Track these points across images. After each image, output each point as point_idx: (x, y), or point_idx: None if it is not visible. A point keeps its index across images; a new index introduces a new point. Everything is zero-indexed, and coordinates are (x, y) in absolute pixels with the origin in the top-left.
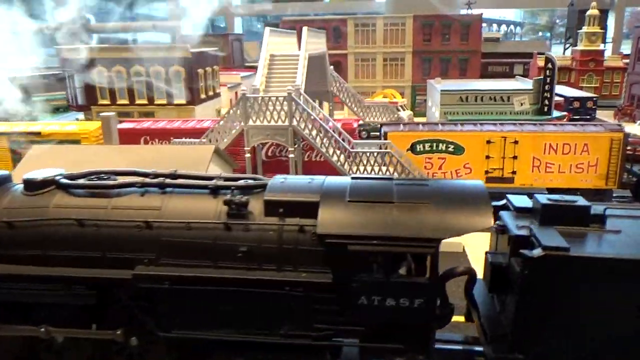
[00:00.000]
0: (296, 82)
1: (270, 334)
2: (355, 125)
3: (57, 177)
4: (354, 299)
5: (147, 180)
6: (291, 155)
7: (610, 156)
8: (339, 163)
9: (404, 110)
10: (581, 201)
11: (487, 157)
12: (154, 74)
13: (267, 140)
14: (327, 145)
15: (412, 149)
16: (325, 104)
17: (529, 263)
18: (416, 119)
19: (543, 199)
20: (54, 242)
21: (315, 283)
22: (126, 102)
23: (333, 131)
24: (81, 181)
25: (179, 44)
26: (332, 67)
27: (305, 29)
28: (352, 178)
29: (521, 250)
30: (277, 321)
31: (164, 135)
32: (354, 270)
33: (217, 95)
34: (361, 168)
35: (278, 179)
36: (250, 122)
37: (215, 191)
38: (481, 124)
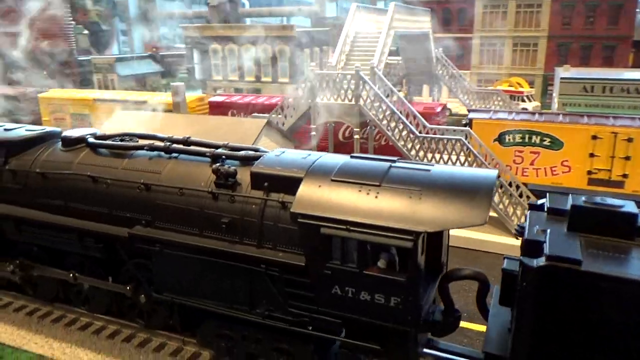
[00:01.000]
0: (372, 61)
1: (249, 311)
2: (438, 109)
3: (88, 136)
4: (327, 287)
5: (157, 144)
6: (356, 137)
7: None
8: (405, 148)
9: (529, 101)
10: (629, 207)
11: (592, 155)
12: (261, 52)
13: (333, 119)
14: (392, 128)
15: (500, 139)
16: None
17: (528, 273)
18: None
19: (578, 199)
20: (73, 195)
21: (288, 264)
22: (236, 78)
23: (406, 115)
24: (107, 142)
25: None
26: (440, 49)
27: (392, 4)
28: (352, 156)
29: (521, 257)
30: (256, 299)
31: (247, 110)
32: (327, 256)
33: None
34: (429, 155)
35: (276, 151)
36: (318, 100)
37: (215, 160)
38: (588, 116)
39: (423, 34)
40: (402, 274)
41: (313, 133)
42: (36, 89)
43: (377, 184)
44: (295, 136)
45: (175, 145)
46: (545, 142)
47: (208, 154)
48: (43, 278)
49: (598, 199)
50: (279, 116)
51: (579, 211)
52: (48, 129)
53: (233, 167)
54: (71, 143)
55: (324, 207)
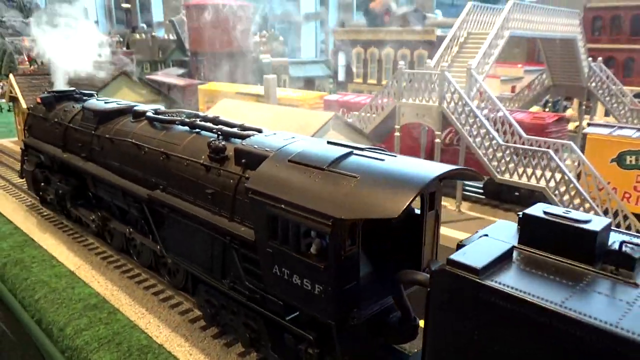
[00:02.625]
0: (471, 62)
1: (221, 281)
2: (550, 120)
3: (148, 111)
4: (270, 266)
5: (185, 120)
6: (437, 140)
7: None
8: (486, 157)
9: None
10: (597, 225)
11: None
12: (400, 56)
13: (416, 120)
14: (474, 134)
15: (620, 160)
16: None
17: (430, 277)
18: None
19: (536, 209)
20: (125, 158)
21: (243, 238)
22: (374, 82)
23: (502, 123)
24: (156, 116)
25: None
26: (593, 59)
27: (510, 1)
28: (328, 142)
29: (430, 260)
30: (227, 270)
31: (353, 108)
32: (272, 234)
33: None
34: (511, 167)
35: (268, 132)
36: (403, 100)
37: (226, 137)
38: None
39: (566, 40)
40: (323, 260)
41: (397, 134)
42: (199, 82)
43: (323, 168)
44: (387, 138)
45: (198, 122)
46: None
47: (215, 130)
48: (115, 230)
49: (562, 210)
50: (367, 115)
51: (531, 222)
52: (131, 103)
53: (223, 143)
54: (137, 116)
55: (271, 185)
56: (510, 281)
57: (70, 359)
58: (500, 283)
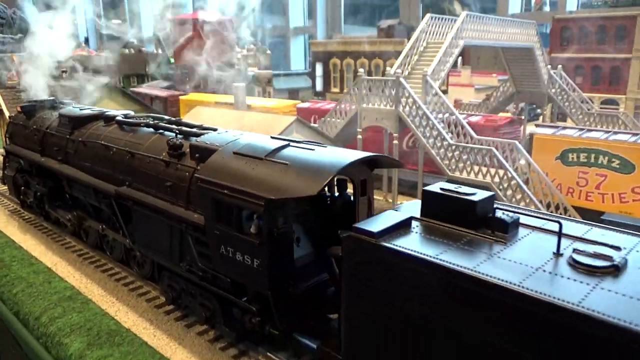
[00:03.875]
0: (427, 69)
1: (178, 265)
2: (502, 122)
3: (118, 116)
4: (217, 246)
5: (150, 122)
6: (395, 142)
7: None
8: (439, 156)
9: None
10: (479, 195)
11: None
12: (374, 66)
13: (376, 123)
14: (428, 135)
15: (563, 157)
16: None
17: (342, 245)
18: None
19: (435, 186)
20: (96, 159)
21: (194, 223)
22: None
23: (454, 125)
24: (124, 119)
25: None
26: (557, 66)
27: (463, 13)
28: (271, 137)
29: (340, 231)
30: (183, 255)
31: (323, 115)
32: (218, 217)
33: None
34: (460, 166)
35: (221, 130)
36: (364, 105)
37: (186, 136)
38: None
39: (524, 49)
40: (259, 237)
41: (359, 137)
42: (180, 93)
43: (261, 157)
44: (353, 141)
45: (160, 124)
46: (613, 164)
47: (176, 130)
48: (90, 228)
49: (454, 186)
50: (333, 119)
51: (429, 197)
52: (104, 110)
53: (181, 141)
54: (108, 120)
55: (217, 174)
56: (402, 243)
57: (45, 344)
58: (392, 244)
